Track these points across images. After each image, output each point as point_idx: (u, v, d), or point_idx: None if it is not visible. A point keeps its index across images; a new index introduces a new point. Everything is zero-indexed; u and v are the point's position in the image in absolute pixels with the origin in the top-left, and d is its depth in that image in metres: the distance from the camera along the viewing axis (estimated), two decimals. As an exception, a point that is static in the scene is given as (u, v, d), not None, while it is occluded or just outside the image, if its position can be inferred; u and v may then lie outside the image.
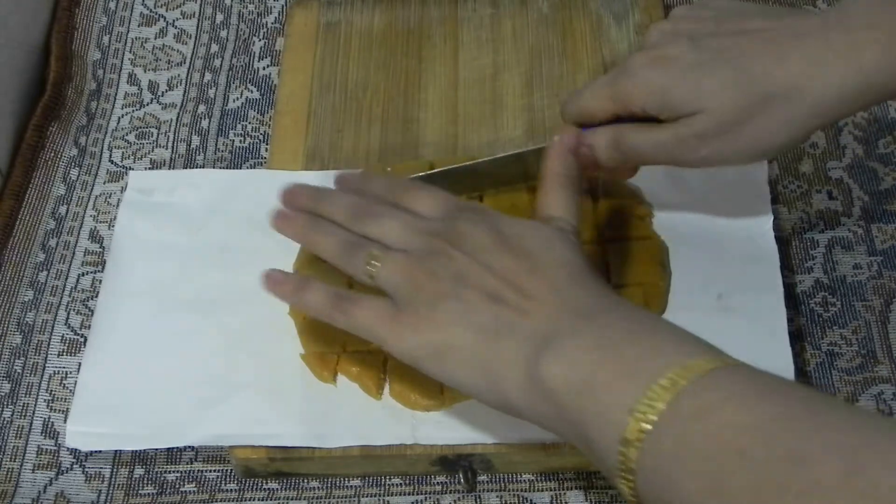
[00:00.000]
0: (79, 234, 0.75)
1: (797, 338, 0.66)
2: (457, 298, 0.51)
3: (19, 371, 0.69)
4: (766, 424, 0.42)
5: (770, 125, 0.56)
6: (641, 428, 0.44)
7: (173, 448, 0.65)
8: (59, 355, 0.69)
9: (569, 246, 0.53)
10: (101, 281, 0.69)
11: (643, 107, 0.57)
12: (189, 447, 0.64)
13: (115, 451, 0.64)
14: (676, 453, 0.43)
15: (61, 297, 0.72)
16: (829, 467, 0.39)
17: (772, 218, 0.67)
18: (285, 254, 0.68)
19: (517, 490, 0.62)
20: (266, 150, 0.78)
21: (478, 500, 0.62)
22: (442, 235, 0.54)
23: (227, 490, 0.64)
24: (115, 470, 0.65)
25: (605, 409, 0.45)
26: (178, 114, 0.81)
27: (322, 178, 0.71)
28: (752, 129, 0.56)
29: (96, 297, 0.69)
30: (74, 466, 0.65)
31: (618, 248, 0.66)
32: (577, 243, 0.54)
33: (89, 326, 0.68)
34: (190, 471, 0.65)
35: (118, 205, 0.72)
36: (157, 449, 0.64)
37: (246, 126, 0.80)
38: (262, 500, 0.63)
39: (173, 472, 0.65)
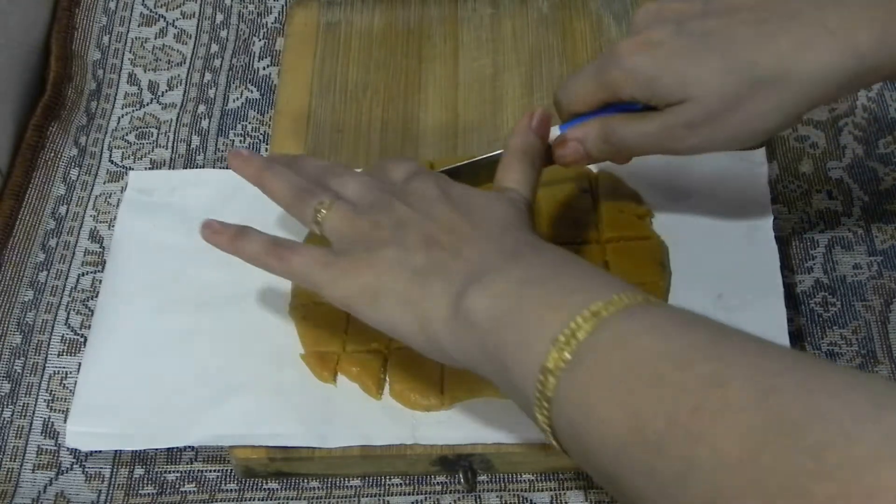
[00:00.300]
0: (79, 234, 0.75)
1: (797, 338, 0.66)
2: (396, 244, 0.52)
3: (19, 371, 0.69)
4: (683, 351, 0.42)
5: (759, 111, 0.55)
6: (562, 357, 0.44)
7: (173, 448, 0.65)
8: (59, 355, 0.69)
9: (513, 211, 0.54)
10: (101, 281, 0.69)
11: (631, 95, 0.57)
12: (189, 447, 0.64)
13: (115, 451, 0.64)
14: (594, 380, 0.44)
15: (61, 297, 0.72)
16: (743, 390, 0.40)
17: (772, 218, 0.67)
18: (285, 254, 0.68)
19: (517, 490, 0.62)
20: (266, 150, 0.78)
21: (478, 500, 0.62)
22: (392, 192, 0.55)
23: (227, 490, 0.64)
24: (115, 470, 0.65)
25: (527, 339, 0.46)
26: (178, 114, 0.81)
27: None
28: (742, 115, 0.55)
29: (96, 297, 0.69)
30: (74, 466, 0.65)
31: (618, 248, 0.66)
32: (525, 212, 0.55)
33: (89, 326, 0.68)
34: (190, 471, 0.65)
35: (118, 205, 0.72)
36: (157, 449, 0.64)
37: (246, 126, 0.80)
38: (262, 500, 0.63)
39: (173, 472, 0.65)
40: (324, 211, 0.55)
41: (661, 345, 0.43)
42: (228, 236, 0.58)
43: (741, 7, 0.56)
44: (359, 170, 0.61)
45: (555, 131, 0.61)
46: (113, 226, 0.72)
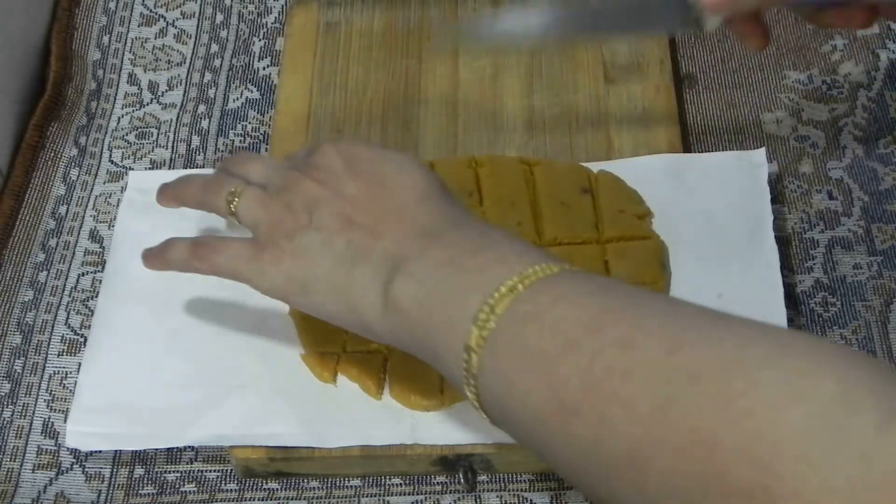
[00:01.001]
0: (79, 234, 0.75)
1: (797, 338, 0.66)
2: (314, 229, 0.53)
3: (19, 371, 0.69)
4: (595, 317, 0.44)
5: None
6: (482, 334, 0.46)
7: (173, 448, 0.65)
8: (59, 355, 0.69)
9: (421, 172, 0.54)
10: (101, 281, 0.69)
11: None
12: (189, 447, 0.64)
13: (115, 451, 0.64)
14: (513, 354, 0.45)
15: (61, 297, 0.72)
16: (652, 348, 0.41)
17: (772, 218, 0.67)
18: (285, 254, 0.68)
19: (517, 490, 0.62)
20: (266, 150, 0.78)
21: (478, 500, 0.62)
22: (298, 168, 0.55)
23: (227, 490, 0.64)
24: (115, 470, 0.65)
25: (450, 320, 0.47)
26: (178, 114, 0.81)
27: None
28: None
29: (96, 297, 0.69)
30: (74, 466, 0.65)
31: (618, 249, 0.66)
32: (430, 170, 0.55)
33: (89, 326, 0.68)
34: (190, 471, 0.65)
35: (118, 205, 0.73)
36: (157, 449, 0.64)
37: (246, 126, 0.80)
38: (262, 500, 0.63)
39: (173, 472, 0.65)
40: (236, 199, 0.56)
41: (574, 312, 0.44)
42: (157, 253, 0.59)
43: None
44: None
45: None
46: (113, 226, 0.72)
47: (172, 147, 0.79)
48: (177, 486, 0.64)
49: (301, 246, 0.53)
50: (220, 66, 0.83)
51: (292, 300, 0.54)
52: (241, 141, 0.79)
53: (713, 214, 0.68)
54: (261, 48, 0.84)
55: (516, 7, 0.64)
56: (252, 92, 0.82)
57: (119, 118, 0.81)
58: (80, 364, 0.66)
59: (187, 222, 0.70)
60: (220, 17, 0.86)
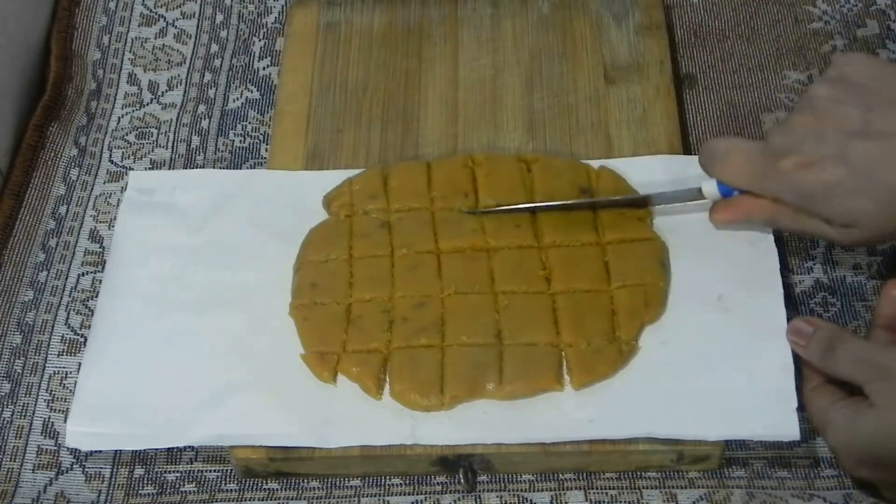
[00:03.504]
0: (79, 234, 0.75)
1: (797, 338, 0.66)
2: None
3: (19, 371, 0.69)
4: None
5: None
6: None
7: (173, 448, 0.65)
8: (59, 355, 0.69)
9: None
10: (101, 281, 0.69)
11: (791, 204, 0.60)
12: (189, 447, 0.64)
13: (115, 451, 0.64)
14: None
15: (61, 297, 0.72)
16: None
17: (772, 218, 0.67)
18: (285, 255, 0.68)
19: (517, 490, 0.62)
20: (266, 150, 0.78)
21: (478, 500, 0.62)
22: None
23: (227, 490, 0.64)
24: (115, 470, 0.65)
25: None
26: (178, 114, 0.81)
27: (322, 178, 0.72)
28: None
29: (96, 297, 0.69)
30: (74, 466, 0.65)
31: (618, 249, 0.66)
32: None
33: (89, 326, 0.68)
34: (190, 471, 0.65)
35: (118, 205, 0.72)
36: (157, 449, 0.64)
37: (246, 126, 0.80)
38: (262, 500, 0.63)
39: (173, 472, 0.65)
40: None
41: None
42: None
43: None
44: None
45: (711, 184, 0.65)
46: (113, 226, 0.72)
47: (172, 147, 0.79)
48: (177, 486, 0.64)
49: None
50: (220, 66, 0.83)
51: None
52: (241, 141, 0.79)
53: (713, 214, 0.68)
54: (261, 48, 0.84)
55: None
56: (252, 92, 0.82)
57: (119, 118, 0.81)
58: (80, 364, 0.66)
59: (189, 222, 0.71)
60: (220, 17, 0.86)
